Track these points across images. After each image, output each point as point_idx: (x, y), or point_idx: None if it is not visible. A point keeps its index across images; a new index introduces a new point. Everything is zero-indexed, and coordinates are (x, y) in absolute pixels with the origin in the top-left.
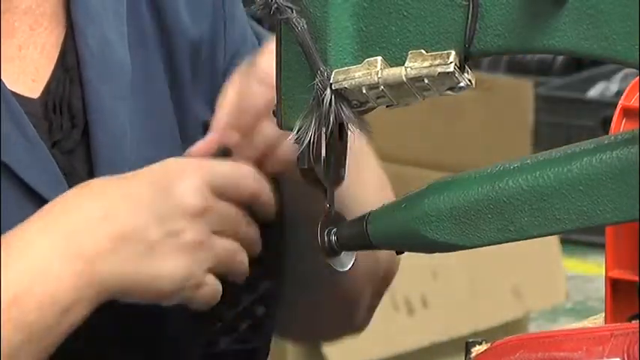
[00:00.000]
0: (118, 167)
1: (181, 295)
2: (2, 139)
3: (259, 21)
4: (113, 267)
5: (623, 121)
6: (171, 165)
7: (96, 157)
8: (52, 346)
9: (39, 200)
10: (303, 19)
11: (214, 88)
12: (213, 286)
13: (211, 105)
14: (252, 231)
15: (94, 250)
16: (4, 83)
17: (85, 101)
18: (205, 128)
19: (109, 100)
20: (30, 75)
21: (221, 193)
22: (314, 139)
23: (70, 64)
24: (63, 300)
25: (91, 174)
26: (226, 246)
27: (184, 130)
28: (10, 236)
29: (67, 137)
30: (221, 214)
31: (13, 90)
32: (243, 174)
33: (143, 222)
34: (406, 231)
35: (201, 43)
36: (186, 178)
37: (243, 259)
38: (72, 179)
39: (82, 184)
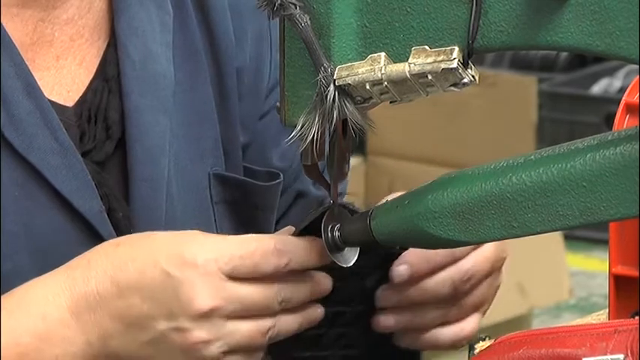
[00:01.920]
0: (154, 183)
1: None
2: (33, 141)
3: None
4: (125, 345)
5: (627, 117)
6: (188, 254)
7: (131, 171)
8: None
9: (68, 207)
10: (306, 15)
11: (255, 111)
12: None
13: (248, 127)
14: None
15: (107, 326)
16: (40, 89)
17: (123, 114)
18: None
19: (148, 114)
20: (66, 86)
21: (241, 277)
22: (317, 135)
23: (109, 76)
24: None
25: (124, 187)
26: (243, 331)
27: (228, 148)
28: (25, 293)
29: (99, 148)
30: (238, 300)
31: (47, 99)
32: (259, 254)
33: (153, 312)
34: (409, 227)
35: (244, 67)
36: (199, 274)
37: (263, 342)
38: (102, 190)
39: (97, 252)
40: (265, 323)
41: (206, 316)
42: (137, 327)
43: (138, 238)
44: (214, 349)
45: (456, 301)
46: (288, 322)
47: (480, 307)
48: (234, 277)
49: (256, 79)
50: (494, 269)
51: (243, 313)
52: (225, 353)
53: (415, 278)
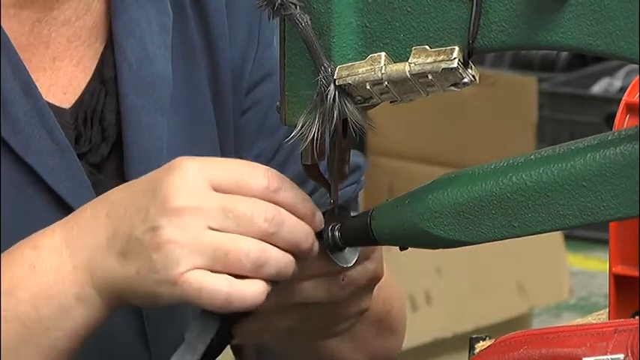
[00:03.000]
0: None
1: (162, 292)
2: (30, 141)
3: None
4: (104, 263)
5: (627, 117)
6: (175, 161)
7: (128, 173)
8: (51, 349)
9: (65, 207)
10: (306, 15)
11: (237, 108)
12: (197, 284)
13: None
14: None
15: (92, 247)
16: (38, 90)
17: (120, 115)
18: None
19: (145, 116)
20: (62, 87)
21: (227, 189)
22: (318, 135)
23: (106, 77)
24: (60, 296)
25: None
26: (221, 244)
27: (225, 148)
28: (27, 238)
29: (95, 150)
30: (221, 210)
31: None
32: (252, 170)
33: (133, 219)
34: (410, 227)
35: (234, 65)
36: (181, 175)
37: (242, 253)
38: (98, 191)
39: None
40: (247, 243)
41: (180, 214)
42: (116, 240)
43: None
44: (186, 256)
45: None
46: (278, 257)
47: (332, 327)
48: (219, 189)
49: (240, 76)
50: (352, 292)
51: (223, 224)
52: (199, 268)
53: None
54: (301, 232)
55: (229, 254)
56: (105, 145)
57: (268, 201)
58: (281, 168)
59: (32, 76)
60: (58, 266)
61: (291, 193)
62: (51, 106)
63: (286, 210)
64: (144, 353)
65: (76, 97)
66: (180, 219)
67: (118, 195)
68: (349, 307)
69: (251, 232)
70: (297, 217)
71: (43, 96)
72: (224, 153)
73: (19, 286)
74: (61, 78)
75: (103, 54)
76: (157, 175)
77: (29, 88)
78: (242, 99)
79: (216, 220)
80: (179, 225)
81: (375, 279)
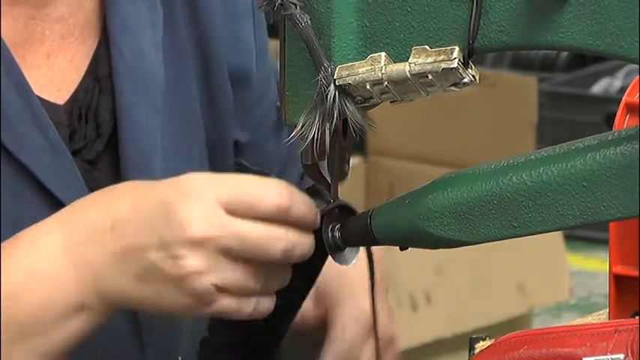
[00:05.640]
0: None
1: (191, 312)
2: (24, 139)
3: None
4: (116, 280)
5: (627, 117)
6: (185, 183)
7: (123, 169)
8: (49, 351)
9: (58, 205)
10: (306, 15)
11: (246, 114)
12: (226, 304)
13: (242, 127)
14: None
15: (98, 261)
16: (31, 88)
17: (115, 113)
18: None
19: (140, 113)
20: (56, 84)
21: (240, 212)
22: (318, 134)
23: (101, 74)
24: (61, 304)
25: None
26: (239, 269)
27: (215, 146)
28: (22, 234)
29: (89, 147)
30: (236, 236)
31: (38, 96)
32: (264, 190)
33: (145, 242)
34: (410, 227)
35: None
36: (195, 200)
37: (253, 285)
38: (92, 189)
39: (101, 190)
40: (263, 269)
41: (200, 244)
42: (128, 259)
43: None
44: (207, 280)
45: None
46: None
47: None
48: (232, 211)
49: (245, 83)
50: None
51: (240, 252)
52: (219, 289)
53: None
54: (309, 249)
55: (245, 285)
56: (99, 141)
57: (281, 222)
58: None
59: (26, 74)
60: (59, 274)
61: (301, 207)
62: (45, 102)
63: (296, 222)
64: (135, 344)
65: (70, 93)
66: (201, 248)
67: (121, 208)
68: None
69: (267, 256)
70: (305, 227)
71: (38, 93)
72: (215, 151)
73: (19, 291)
74: (56, 74)
75: (96, 51)
76: (167, 197)
77: (22, 86)
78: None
79: (233, 249)
80: (198, 255)
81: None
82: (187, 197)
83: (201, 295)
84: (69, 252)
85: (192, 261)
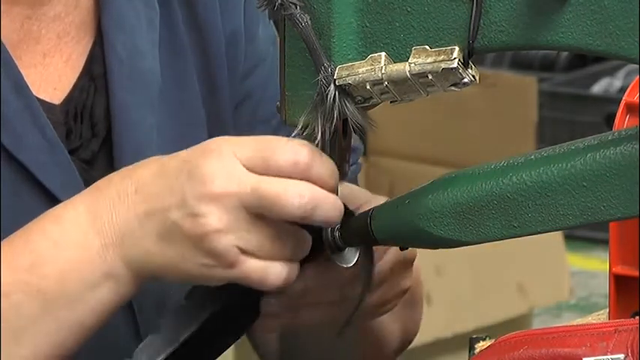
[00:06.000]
0: None
1: (214, 274)
2: (22, 139)
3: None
4: (140, 243)
5: (627, 117)
6: (206, 143)
7: (118, 168)
8: (76, 324)
9: (57, 203)
10: (306, 15)
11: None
12: (251, 267)
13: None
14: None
15: (123, 225)
16: (29, 87)
17: (110, 111)
18: None
19: (135, 111)
20: (52, 83)
21: (260, 168)
22: (318, 135)
23: (96, 73)
24: (86, 272)
25: None
26: (262, 230)
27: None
28: (49, 211)
29: (85, 146)
30: (256, 191)
31: (35, 96)
32: (285, 146)
33: (167, 201)
34: (410, 227)
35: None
36: (216, 157)
37: (276, 249)
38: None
39: (125, 167)
40: (288, 227)
41: (220, 200)
42: (151, 220)
43: None
44: (227, 240)
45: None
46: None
47: (380, 307)
48: (252, 167)
49: (232, 68)
50: (394, 272)
51: (260, 208)
52: (242, 251)
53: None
54: (332, 210)
55: (271, 247)
56: (95, 140)
57: (301, 178)
58: None
59: (22, 73)
60: (85, 243)
61: (321, 168)
62: (41, 102)
63: (317, 182)
64: (133, 342)
65: (66, 93)
66: (220, 206)
67: (146, 172)
68: (393, 287)
69: (287, 216)
70: (328, 190)
71: (34, 92)
72: None
73: (43, 261)
74: (52, 74)
75: (91, 50)
76: (189, 156)
77: (20, 86)
78: (238, 91)
79: (254, 204)
80: (218, 212)
81: (412, 258)
82: (209, 154)
83: (221, 255)
84: (94, 220)
85: (212, 219)
